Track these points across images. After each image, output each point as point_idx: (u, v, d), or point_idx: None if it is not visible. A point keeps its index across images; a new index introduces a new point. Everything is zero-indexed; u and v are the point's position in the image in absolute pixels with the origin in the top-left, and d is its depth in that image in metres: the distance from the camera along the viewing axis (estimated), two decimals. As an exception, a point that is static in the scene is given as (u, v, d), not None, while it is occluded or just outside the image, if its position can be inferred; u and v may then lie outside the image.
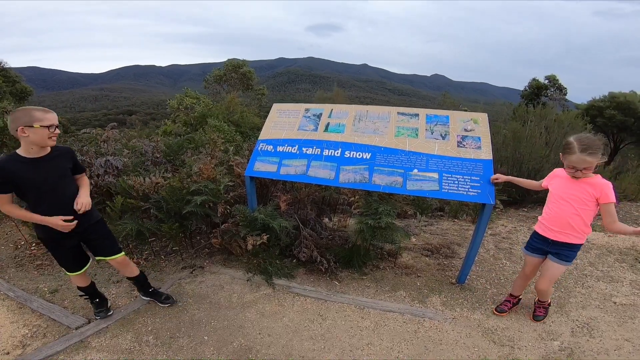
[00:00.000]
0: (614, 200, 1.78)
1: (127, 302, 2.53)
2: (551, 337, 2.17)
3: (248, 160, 3.13)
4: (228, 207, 2.94)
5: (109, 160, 3.20)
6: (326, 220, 3.80)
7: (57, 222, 1.88)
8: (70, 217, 1.91)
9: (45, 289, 2.68)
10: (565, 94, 25.54)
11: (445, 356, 2.03)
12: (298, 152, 2.82)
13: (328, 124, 2.96)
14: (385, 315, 2.41)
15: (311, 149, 2.80)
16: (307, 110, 3.14)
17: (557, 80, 25.70)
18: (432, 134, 2.65)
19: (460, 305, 2.51)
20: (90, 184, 3.10)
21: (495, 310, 2.40)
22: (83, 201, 1.95)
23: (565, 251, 2.03)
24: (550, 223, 2.05)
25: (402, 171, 2.48)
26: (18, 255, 3.22)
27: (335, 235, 3.45)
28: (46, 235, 1.97)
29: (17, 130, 1.74)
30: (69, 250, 2.04)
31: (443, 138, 2.60)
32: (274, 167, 2.81)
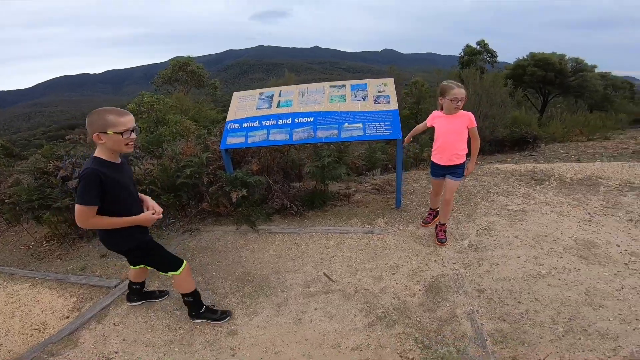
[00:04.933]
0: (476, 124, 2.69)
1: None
2: (462, 238, 2.98)
3: (221, 139, 3.95)
4: (211, 176, 3.77)
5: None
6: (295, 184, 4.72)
7: (149, 216, 1.92)
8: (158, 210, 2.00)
9: (75, 268, 3.12)
10: (495, 57, 27.87)
11: (390, 257, 2.80)
12: (259, 125, 3.69)
13: (279, 101, 3.84)
14: (344, 236, 3.21)
15: (269, 121, 3.68)
16: (261, 93, 4.00)
17: (487, 44, 27.95)
18: (355, 97, 3.63)
19: (399, 222, 3.41)
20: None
21: (422, 222, 3.26)
22: (156, 203, 2.04)
23: (457, 170, 2.73)
24: (443, 154, 2.71)
25: (337, 126, 3.44)
26: (34, 253, 3.58)
27: (302, 190, 4.39)
28: (133, 244, 1.95)
29: (93, 136, 1.69)
30: (160, 246, 2.07)
31: (364, 99, 3.59)
32: (242, 139, 3.66)
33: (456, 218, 3.35)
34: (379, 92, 3.62)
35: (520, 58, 21.16)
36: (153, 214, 1.95)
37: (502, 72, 19.20)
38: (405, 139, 3.20)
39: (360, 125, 3.39)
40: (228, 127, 3.81)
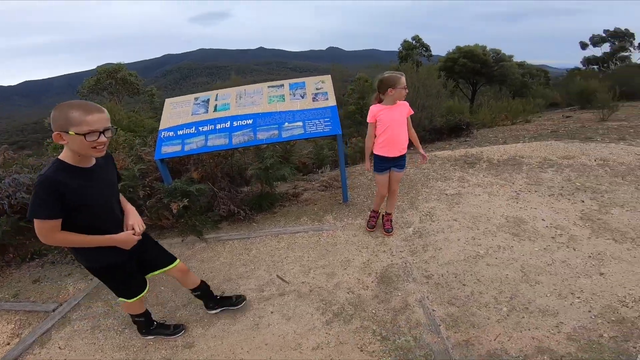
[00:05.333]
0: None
1: (85, 285, 2.85)
2: (407, 225, 3.11)
3: (155, 149, 3.68)
4: (148, 189, 3.50)
5: (16, 179, 3.39)
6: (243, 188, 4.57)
7: (129, 237, 1.63)
8: (135, 231, 1.68)
9: (7, 296, 2.86)
10: (430, 51, 29.67)
11: (340, 252, 2.85)
12: (196, 131, 3.50)
13: (216, 105, 3.68)
14: (294, 235, 3.20)
15: (206, 127, 3.50)
16: (196, 98, 3.80)
17: (421, 39, 29.68)
18: (294, 96, 3.59)
19: (347, 216, 3.46)
20: (2, 205, 3.26)
21: (368, 227, 3.12)
22: (139, 220, 1.71)
23: (402, 161, 2.77)
24: (392, 145, 2.66)
25: (277, 126, 3.38)
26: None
27: (249, 193, 4.26)
28: (106, 262, 1.68)
29: (53, 135, 1.39)
30: (131, 274, 1.82)
31: (302, 97, 3.57)
32: (178, 147, 3.44)
33: (400, 207, 3.47)
34: (317, 89, 3.63)
35: (450, 51, 22.72)
36: (134, 234, 1.67)
37: (436, 64, 20.55)
38: (366, 166, 3.01)
39: (300, 123, 3.37)
40: (162, 136, 3.57)
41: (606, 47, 26.03)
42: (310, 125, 3.34)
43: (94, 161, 1.55)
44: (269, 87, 3.75)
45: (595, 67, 25.41)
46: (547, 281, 2.24)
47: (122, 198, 1.80)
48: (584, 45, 27.33)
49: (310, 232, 3.22)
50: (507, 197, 3.36)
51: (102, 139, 1.42)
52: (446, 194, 3.61)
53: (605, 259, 2.37)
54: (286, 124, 3.39)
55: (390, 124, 2.63)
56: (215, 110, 3.63)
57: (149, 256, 1.89)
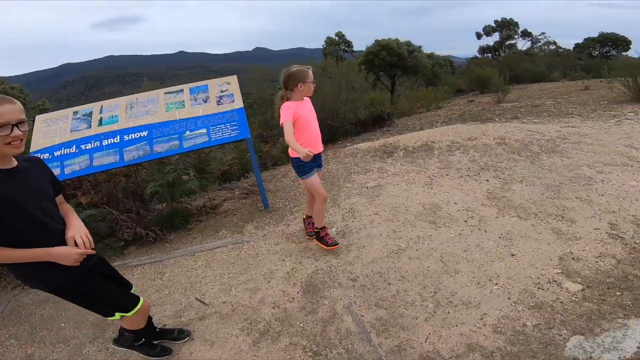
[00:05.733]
0: None
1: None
2: (330, 226, 2.94)
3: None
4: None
5: None
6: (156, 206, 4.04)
7: (68, 251, 1.38)
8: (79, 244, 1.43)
9: None
10: (352, 46, 30.80)
11: (263, 264, 2.66)
12: (77, 150, 2.95)
13: (101, 118, 3.15)
14: (213, 252, 2.94)
15: (90, 144, 2.97)
16: (75, 112, 3.21)
17: (344, 35, 30.66)
18: (196, 101, 3.24)
19: (268, 224, 3.26)
20: None
21: (308, 236, 2.87)
22: (83, 231, 1.46)
23: (321, 158, 2.60)
24: (315, 142, 2.47)
25: (177, 136, 3.01)
26: None
27: (162, 212, 3.78)
28: (55, 282, 1.44)
29: None
30: (97, 288, 1.56)
31: (205, 102, 3.23)
32: (57, 171, 2.86)
33: (323, 206, 3.37)
34: (221, 92, 3.32)
35: (370, 45, 23.78)
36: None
37: (358, 59, 21.32)
38: (302, 153, 2.30)
39: (204, 130, 3.04)
40: (33, 160, 2.93)
41: (497, 37, 29.75)
42: (215, 131, 3.04)
43: (14, 162, 1.36)
44: (166, 93, 3.33)
45: (489, 55, 28.83)
46: (466, 269, 2.28)
47: (66, 209, 1.57)
48: (479, 36, 30.86)
49: (229, 246, 2.99)
50: (423, 184, 3.47)
51: (16, 132, 1.26)
52: (367, 187, 3.61)
53: (514, 238, 2.49)
54: (188, 132, 3.04)
55: (308, 120, 2.45)
56: (100, 124, 3.11)
57: (111, 272, 1.70)
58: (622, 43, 26.01)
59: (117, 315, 1.63)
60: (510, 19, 29.32)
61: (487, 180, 3.33)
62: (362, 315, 2.05)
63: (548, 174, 3.30)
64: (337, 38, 30.12)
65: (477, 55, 30.12)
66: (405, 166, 3.95)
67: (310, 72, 2.38)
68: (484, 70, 14.74)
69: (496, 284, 2.13)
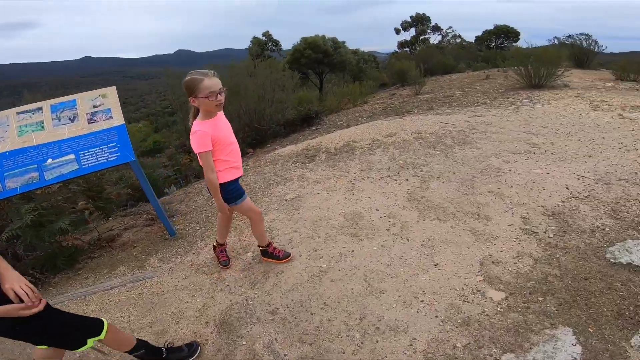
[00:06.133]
0: None
1: None
2: (245, 250, 2.67)
3: None
4: None
5: None
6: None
7: (13, 308, 1.21)
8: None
9: None
10: (280, 46, 30.32)
11: (170, 302, 2.31)
12: None
13: None
14: (108, 293, 2.50)
15: None
16: None
17: (271, 35, 30.06)
18: (60, 120, 2.60)
19: (175, 254, 2.81)
20: None
21: (222, 266, 2.54)
22: (21, 281, 1.26)
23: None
24: (240, 161, 2.12)
25: (36, 166, 2.37)
26: None
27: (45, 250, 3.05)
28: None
29: None
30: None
31: (72, 121, 2.61)
32: None
33: (238, 227, 3.00)
34: (95, 107, 2.72)
35: (296, 43, 23.56)
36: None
37: (274, 59, 20.94)
38: (223, 210, 2.13)
39: (72, 156, 2.45)
40: None
41: (413, 32, 31.77)
42: (87, 156, 2.47)
43: None
44: (18, 113, 2.62)
45: (407, 49, 30.70)
46: (391, 288, 2.11)
47: None
48: (397, 31, 32.66)
49: (129, 285, 2.55)
50: (344, 190, 3.29)
51: None
52: (286, 200, 3.31)
53: (435, 245, 2.39)
54: (50, 160, 2.42)
55: (229, 137, 2.04)
56: None
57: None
58: (512, 34, 29.64)
59: (90, 342, 1.48)
60: (423, 14, 31.55)
61: (407, 180, 3.27)
62: (285, 355, 1.79)
63: (461, 167, 3.35)
64: (264, 38, 29.46)
65: (397, 50, 31.89)
66: (326, 171, 3.74)
67: (208, 82, 1.80)
68: (403, 64, 15.51)
69: (422, 301, 1.99)
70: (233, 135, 2.10)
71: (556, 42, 10.54)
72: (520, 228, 2.43)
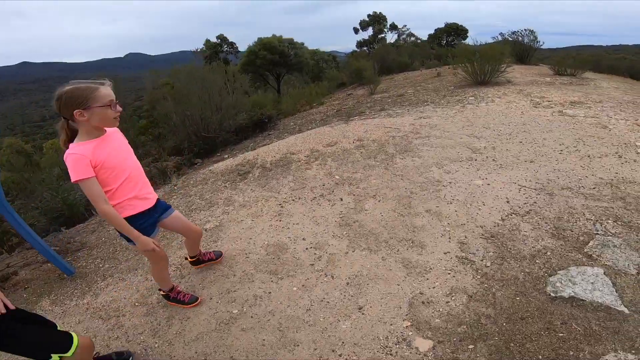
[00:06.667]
0: None
1: None
2: (150, 292, 2.23)
3: None
4: None
5: None
6: None
7: None
8: None
9: None
10: (236, 47, 29.37)
11: None
12: None
13: None
14: None
15: None
16: None
17: (226, 38, 29.07)
18: None
19: (71, 296, 2.35)
20: None
21: (192, 303, 2.10)
22: None
23: (162, 201, 1.92)
24: (145, 187, 1.75)
25: None
26: None
27: None
28: None
29: None
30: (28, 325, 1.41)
31: None
32: None
33: (147, 264, 2.51)
34: None
35: (252, 44, 22.78)
36: None
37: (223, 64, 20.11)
38: (147, 244, 1.67)
39: None
40: None
41: (371, 31, 31.97)
42: None
43: None
44: None
45: (365, 48, 30.86)
46: (307, 339, 1.76)
47: None
48: (356, 30, 32.76)
49: None
50: (271, 216, 2.88)
51: None
52: (205, 229, 2.83)
53: (362, 284, 2.06)
54: None
55: (127, 158, 1.66)
56: None
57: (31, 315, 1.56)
58: (461, 32, 30.72)
59: (55, 357, 1.41)
60: (380, 13, 31.85)
61: (341, 200, 2.92)
62: None
63: (400, 181, 3.05)
64: (218, 40, 28.45)
65: (357, 49, 31.99)
66: (256, 192, 3.30)
67: (106, 89, 1.50)
68: (359, 63, 15.38)
69: (340, 355, 1.65)
70: (132, 157, 1.73)
71: (500, 38, 10.82)
72: (456, 256, 2.15)
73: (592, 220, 2.28)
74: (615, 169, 2.87)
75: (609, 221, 2.26)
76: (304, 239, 2.52)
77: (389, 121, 4.84)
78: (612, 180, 2.68)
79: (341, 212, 2.75)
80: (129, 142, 1.79)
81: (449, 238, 2.29)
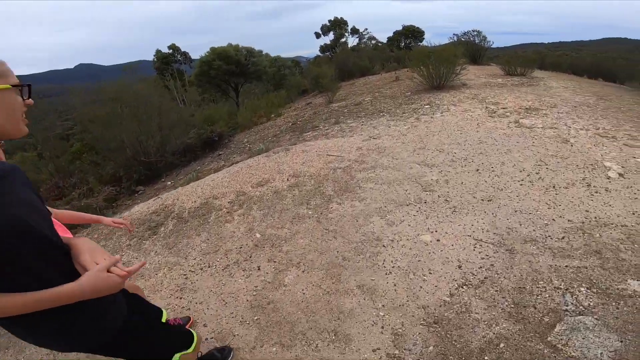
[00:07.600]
0: None
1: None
2: None
3: None
4: None
5: None
6: None
7: (99, 277, 0.82)
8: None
9: None
10: (190, 58, 28.12)
11: None
12: None
13: None
14: None
15: None
16: None
17: (178, 47, 27.80)
18: None
19: None
20: None
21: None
22: (99, 251, 0.90)
23: None
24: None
25: None
26: None
27: None
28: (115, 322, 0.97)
29: None
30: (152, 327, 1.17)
31: None
32: None
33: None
34: None
35: (204, 54, 21.62)
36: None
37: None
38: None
39: None
40: None
41: (332, 36, 31.65)
42: None
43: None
44: None
45: (328, 53, 30.48)
46: None
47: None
48: (317, 35, 32.33)
49: None
50: (172, 290, 2.18)
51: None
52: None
53: None
54: None
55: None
56: None
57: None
58: (418, 34, 31.03)
59: (177, 356, 1.21)
60: (341, 17, 31.63)
61: (259, 269, 2.25)
62: None
63: (332, 241, 2.39)
64: (170, 50, 27.19)
65: (320, 54, 31.57)
66: (160, 256, 2.58)
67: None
68: (320, 69, 14.83)
69: None
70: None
71: (454, 39, 10.66)
72: (387, 354, 1.57)
73: (560, 289, 1.76)
74: (585, 204, 2.41)
75: (582, 289, 1.75)
76: (205, 326, 1.86)
77: (335, 144, 4.26)
78: (584, 223, 2.20)
79: (256, 287, 2.09)
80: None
81: (382, 327, 1.70)
